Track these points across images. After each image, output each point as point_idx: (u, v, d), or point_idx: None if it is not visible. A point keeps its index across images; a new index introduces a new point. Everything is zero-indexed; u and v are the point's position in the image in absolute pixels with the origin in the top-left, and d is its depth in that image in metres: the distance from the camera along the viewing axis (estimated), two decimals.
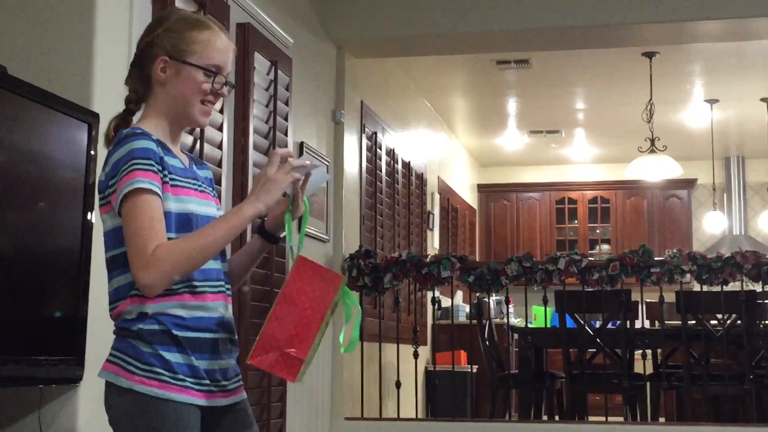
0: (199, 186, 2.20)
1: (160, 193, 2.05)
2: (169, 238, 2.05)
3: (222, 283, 2.16)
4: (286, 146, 5.29)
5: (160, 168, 2.07)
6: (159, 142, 2.12)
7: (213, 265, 2.13)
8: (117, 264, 2.09)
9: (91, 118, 3.33)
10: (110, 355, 2.09)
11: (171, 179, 2.10)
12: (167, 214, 2.07)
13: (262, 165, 4.92)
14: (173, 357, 2.04)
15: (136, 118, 2.24)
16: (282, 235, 2.24)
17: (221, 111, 4.41)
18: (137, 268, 2.00)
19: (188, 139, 4.07)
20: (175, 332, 2.05)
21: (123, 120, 2.21)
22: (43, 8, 3.53)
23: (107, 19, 3.58)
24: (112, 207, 2.07)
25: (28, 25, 3.52)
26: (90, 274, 3.26)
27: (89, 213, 3.28)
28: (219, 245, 2.06)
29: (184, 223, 2.09)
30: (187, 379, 2.05)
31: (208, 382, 2.08)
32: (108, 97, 3.53)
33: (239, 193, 4.64)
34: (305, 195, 2.20)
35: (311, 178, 2.20)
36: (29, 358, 3.05)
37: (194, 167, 2.25)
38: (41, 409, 3.23)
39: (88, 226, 3.27)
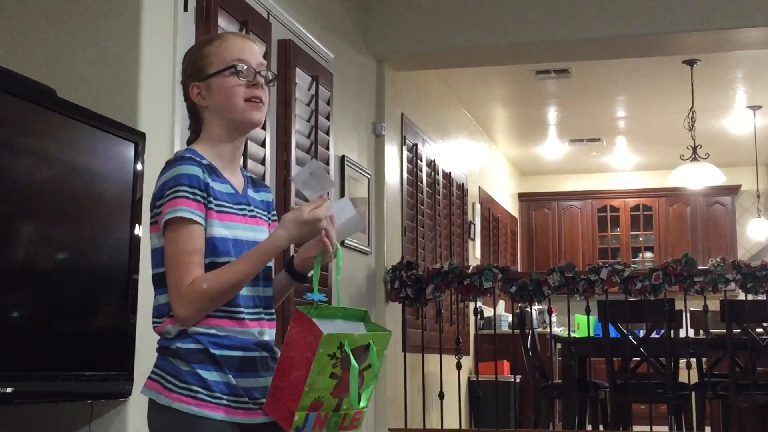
0: (250, 211, 2.22)
1: (202, 221, 2.09)
2: (211, 263, 2.09)
3: (260, 309, 2.18)
4: (327, 161, 5.34)
5: (204, 195, 2.11)
6: (209, 167, 2.16)
7: (249, 292, 2.15)
8: (162, 282, 2.13)
9: (137, 137, 3.40)
10: (152, 372, 2.13)
11: (217, 205, 2.13)
12: (209, 239, 2.10)
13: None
14: (210, 375, 2.07)
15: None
16: (310, 275, 2.22)
17: (263, 127, 4.46)
18: (174, 301, 2.08)
19: None
20: (212, 351, 2.08)
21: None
22: (90, 33, 3.61)
23: (152, 42, 3.65)
24: (159, 228, 2.12)
25: (76, 49, 3.61)
26: (138, 289, 3.32)
27: (137, 228, 3.34)
28: (248, 279, 2.10)
29: (226, 249, 2.12)
30: (224, 397, 2.08)
31: (246, 399, 2.10)
32: (154, 117, 3.61)
33: (281, 208, 4.69)
34: (338, 240, 2.17)
35: (346, 222, 2.17)
36: (79, 374, 3.11)
37: (250, 191, 2.27)
38: (91, 423, 3.29)
39: (135, 241, 3.33)
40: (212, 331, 2.09)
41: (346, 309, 2.16)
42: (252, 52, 2.22)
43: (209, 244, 2.10)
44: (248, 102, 2.19)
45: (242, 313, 2.13)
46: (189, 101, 2.25)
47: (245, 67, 2.19)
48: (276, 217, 2.34)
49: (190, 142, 2.27)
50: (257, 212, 2.25)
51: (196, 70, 2.22)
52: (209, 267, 2.09)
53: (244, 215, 2.20)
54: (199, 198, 2.10)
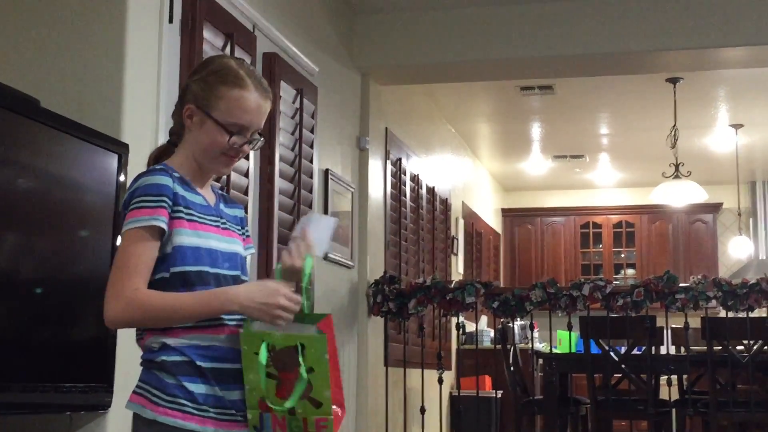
0: (223, 224, 2.23)
1: (164, 227, 2.09)
2: (182, 272, 2.09)
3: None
4: (311, 175, 5.34)
5: (171, 203, 2.11)
6: (181, 179, 2.17)
7: None
8: None
9: (120, 149, 3.39)
10: (137, 386, 2.12)
11: (188, 214, 2.14)
12: (179, 248, 2.10)
13: (288, 193, 4.98)
14: (197, 388, 2.07)
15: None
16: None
17: None
18: (109, 297, 2.05)
19: None
20: (198, 363, 2.07)
21: (164, 151, 2.27)
22: (74, 43, 3.61)
23: (137, 54, 3.65)
24: None
25: (60, 60, 3.60)
26: None
27: (119, 239, 3.32)
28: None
29: (199, 257, 2.12)
30: (211, 409, 2.07)
31: (233, 412, 2.10)
32: (137, 129, 3.60)
33: (265, 221, 4.69)
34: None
35: (324, 233, 2.19)
36: (58, 385, 3.09)
37: (221, 205, 2.28)
38: None
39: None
40: (194, 342, 2.08)
41: (314, 315, 2.14)
42: (257, 115, 2.22)
43: (179, 252, 2.10)
44: (224, 155, 2.20)
45: (223, 318, 2.12)
46: (181, 107, 2.24)
47: (239, 137, 2.19)
48: (249, 233, 2.36)
49: (171, 133, 2.28)
50: (229, 225, 2.26)
51: (201, 97, 2.19)
52: (179, 275, 2.09)
53: (217, 226, 2.21)
54: (164, 205, 2.09)
